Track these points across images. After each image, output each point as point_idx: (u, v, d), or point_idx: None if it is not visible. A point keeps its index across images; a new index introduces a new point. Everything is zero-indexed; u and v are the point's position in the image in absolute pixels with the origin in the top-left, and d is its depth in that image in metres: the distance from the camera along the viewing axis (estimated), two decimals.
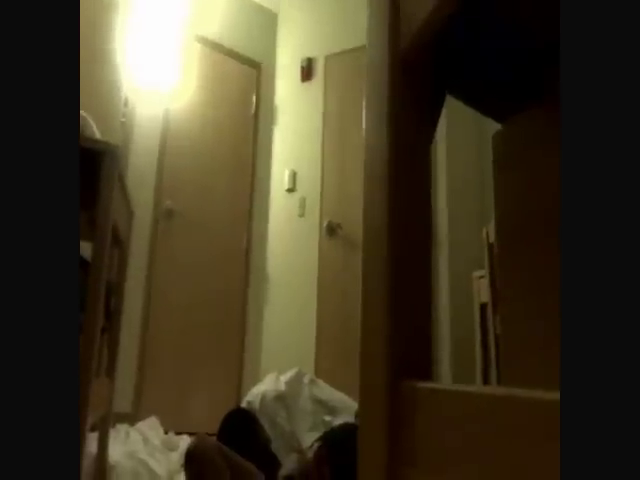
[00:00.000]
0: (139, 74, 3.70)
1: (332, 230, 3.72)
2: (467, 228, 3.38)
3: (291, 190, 4.04)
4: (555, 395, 0.26)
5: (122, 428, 2.67)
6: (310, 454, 1.25)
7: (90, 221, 2.08)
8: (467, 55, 0.54)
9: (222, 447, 1.28)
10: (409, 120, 0.49)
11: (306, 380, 2.16)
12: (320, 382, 2.21)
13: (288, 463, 1.29)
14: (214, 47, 4.09)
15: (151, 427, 2.67)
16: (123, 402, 3.20)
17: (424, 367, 0.47)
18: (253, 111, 4.23)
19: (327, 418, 1.97)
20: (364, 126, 0.52)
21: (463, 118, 3.56)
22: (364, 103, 0.52)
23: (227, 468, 1.22)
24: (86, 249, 1.82)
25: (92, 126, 1.89)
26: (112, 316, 2.28)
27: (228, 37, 4.18)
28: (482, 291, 2.72)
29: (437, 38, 0.48)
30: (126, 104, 3.59)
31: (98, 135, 1.92)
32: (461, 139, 3.55)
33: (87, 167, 1.73)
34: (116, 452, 2.23)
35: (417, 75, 0.50)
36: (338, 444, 1.26)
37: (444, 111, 3.44)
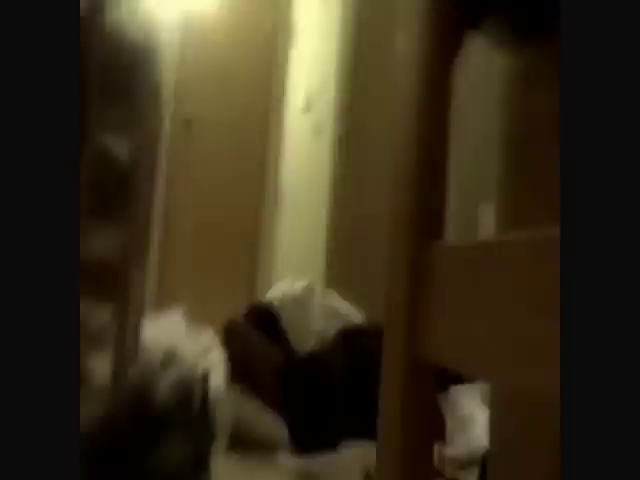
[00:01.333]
0: None
1: (344, 142, 3.71)
2: None
3: (306, 110, 3.97)
4: (557, 231, 0.27)
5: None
6: (329, 341, 1.42)
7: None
8: None
9: (252, 330, 1.45)
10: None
11: (318, 289, 2.32)
12: (331, 292, 2.37)
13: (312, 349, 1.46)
14: None
15: (176, 314, 2.86)
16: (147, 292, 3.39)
17: (440, 230, 0.53)
18: (271, 26, 4.14)
19: (339, 325, 2.15)
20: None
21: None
22: None
23: (258, 348, 1.39)
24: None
25: None
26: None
27: None
28: None
29: None
30: None
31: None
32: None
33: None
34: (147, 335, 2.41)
35: None
36: (352, 338, 1.43)
37: None
